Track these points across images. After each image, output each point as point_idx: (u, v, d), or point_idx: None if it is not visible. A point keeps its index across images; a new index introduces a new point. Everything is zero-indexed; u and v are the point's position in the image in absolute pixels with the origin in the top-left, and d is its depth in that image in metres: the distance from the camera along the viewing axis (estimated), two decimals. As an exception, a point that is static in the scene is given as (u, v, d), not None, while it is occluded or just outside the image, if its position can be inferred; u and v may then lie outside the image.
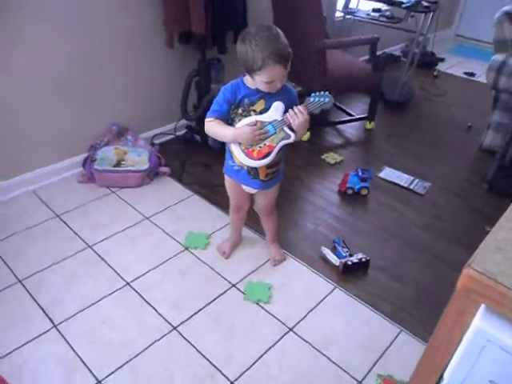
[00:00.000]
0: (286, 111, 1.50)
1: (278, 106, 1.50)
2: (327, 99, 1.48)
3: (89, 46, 2.23)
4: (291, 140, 1.53)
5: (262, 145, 1.54)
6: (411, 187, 2.57)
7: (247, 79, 1.51)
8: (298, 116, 1.47)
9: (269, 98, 1.50)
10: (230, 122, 1.56)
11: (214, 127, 1.55)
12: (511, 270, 0.58)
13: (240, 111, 1.52)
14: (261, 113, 1.52)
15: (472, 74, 4.36)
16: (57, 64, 2.15)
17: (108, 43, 2.30)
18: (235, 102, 1.52)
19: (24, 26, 1.97)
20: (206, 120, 1.56)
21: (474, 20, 5.31)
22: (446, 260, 2.07)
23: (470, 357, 0.64)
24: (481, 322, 0.60)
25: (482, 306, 0.61)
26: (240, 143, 1.55)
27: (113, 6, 2.23)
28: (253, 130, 1.49)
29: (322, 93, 1.48)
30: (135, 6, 2.32)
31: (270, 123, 1.51)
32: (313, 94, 1.49)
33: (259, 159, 1.56)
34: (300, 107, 1.48)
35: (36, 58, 2.07)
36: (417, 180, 2.63)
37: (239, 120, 1.52)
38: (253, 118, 1.51)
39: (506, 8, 2.71)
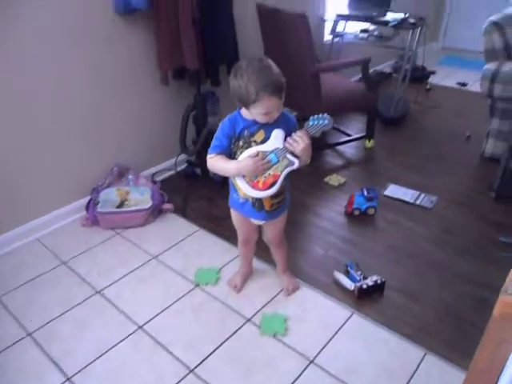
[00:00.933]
0: (286, 138, 1.49)
1: (277, 135, 1.49)
2: (326, 121, 1.47)
3: (84, 86, 2.25)
4: (295, 166, 1.51)
5: (266, 175, 1.52)
6: (418, 202, 2.54)
7: (244, 111, 1.50)
8: (299, 142, 1.46)
9: (268, 127, 1.49)
10: (232, 155, 1.54)
11: (216, 163, 1.54)
12: (549, 292, 0.55)
13: (241, 143, 1.51)
14: (262, 143, 1.50)
15: (464, 84, 4.40)
16: (55, 109, 2.16)
17: (104, 85, 2.32)
18: (235, 135, 1.51)
19: (24, 68, 1.99)
20: (208, 157, 1.55)
21: (458, 32, 5.40)
22: (461, 274, 2.02)
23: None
24: (523, 351, 0.56)
25: (522, 333, 0.58)
26: (244, 176, 1.53)
27: (107, 44, 2.26)
28: (255, 161, 1.47)
29: (321, 115, 1.47)
30: (128, 47, 2.35)
31: (272, 152, 1.50)
32: (311, 118, 1.48)
33: (265, 189, 1.54)
34: (300, 132, 1.47)
35: (33, 104, 2.08)
36: (423, 194, 2.60)
37: (241, 152, 1.51)
38: (254, 149, 1.50)
39: (492, 18, 2.75)
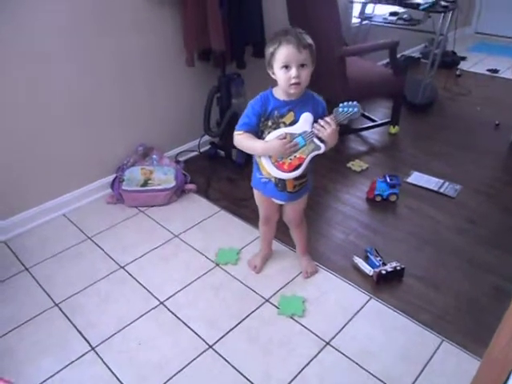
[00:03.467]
0: (315, 122, 1.49)
1: (306, 118, 1.49)
2: (355, 109, 1.47)
3: (112, 69, 2.28)
4: (321, 151, 1.52)
5: (292, 157, 1.53)
6: (441, 191, 2.51)
7: (276, 89, 1.51)
8: (327, 127, 1.46)
9: (298, 109, 1.50)
10: (259, 134, 1.55)
11: (243, 140, 1.55)
12: None
13: (270, 123, 1.52)
14: (290, 125, 1.51)
15: (496, 71, 4.26)
16: (82, 90, 2.20)
17: (130, 65, 2.34)
18: (265, 114, 1.52)
19: (48, 48, 2.03)
20: (235, 133, 1.56)
21: (492, 16, 5.21)
22: (482, 264, 2.00)
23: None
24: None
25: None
26: (270, 156, 1.54)
27: (134, 27, 2.28)
28: (283, 144, 1.48)
29: (350, 103, 1.47)
30: (155, 28, 2.37)
31: (299, 135, 1.50)
32: (341, 105, 1.48)
33: (290, 171, 1.55)
34: (328, 118, 1.48)
35: (60, 85, 2.12)
36: (447, 183, 2.56)
37: (268, 132, 1.52)
38: (282, 131, 1.50)
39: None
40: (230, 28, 2.42)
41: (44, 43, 1.99)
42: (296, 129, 1.50)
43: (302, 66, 1.42)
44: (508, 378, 0.65)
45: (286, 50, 1.39)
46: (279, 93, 1.51)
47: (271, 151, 1.51)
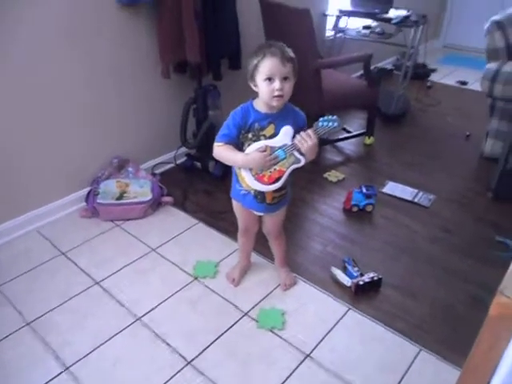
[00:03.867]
0: (294, 136, 1.50)
1: (287, 131, 1.50)
2: (335, 123, 1.48)
3: (84, 81, 2.25)
4: (301, 164, 1.53)
5: (272, 170, 1.54)
6: (416, 200, 2.56)
7: (256, 101, 1.52)
8: (307, 140, 1.47)
9: (278, 122, 1.51)
10: (239, 146, 1.55)
11: (223, 152, 1.54)
12: (545, 294, 0.56)
13: (250, 136, 1.52)
14: (270, 137, 1.52)
15: (465, 83, 4.40)
16: (54, 100, 2.16)
17: (103, 76, 2.32)
18: (245, 126, 1.52)
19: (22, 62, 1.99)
20: (215, 144, 1.56)
21: (460, 29, 5.39)
22: (457, 272, 2.04)
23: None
24: (519, 351, 0.58)
25: (518, 333, 0.59)
26: (251, 169, 1.55)
27: (108, 39, 2.25)
28: (264, 156, 1.49)
29: (330, 117, 1.48)
30: (130, 40, 2.35)
31: (279, 148, 1.51)
32: (321, 119, 1.49)
33: (270, 184, 1.56)
34: (309, 131, 1.49)
35: (33, 96, 2.07)
36: (421, 193, 2.62)
37: (248, 144, 1.52)
38: (262, 143, 1.51)
39: (495, 17, 2.75)
40: (205, 40, 2.42)
41: (12, 56, 1.95)
42: (276, 142, 1.51)
43: (285, 79, 1.43)
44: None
45: (271, 62, 1.40)
46: (260, 105, 1.51)
47: (251, 163, 1.51)
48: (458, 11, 5.34)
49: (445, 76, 4.60)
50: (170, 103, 2.68)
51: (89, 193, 2.37)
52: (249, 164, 1.52)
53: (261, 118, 1.51)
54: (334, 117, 1.48)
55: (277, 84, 1.42)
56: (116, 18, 2.24)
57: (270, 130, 1.51)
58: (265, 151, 1.50)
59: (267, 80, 1.42)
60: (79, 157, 2.37)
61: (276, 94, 1.43)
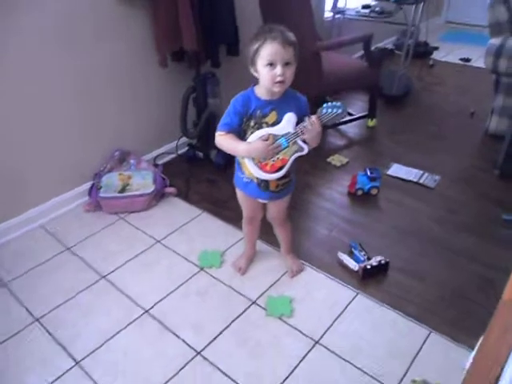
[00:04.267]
0: (298, 122, 1.47)
1: (290, 118, 1.47)
2: (340, 110, 1.43)
3: (84, 74, 2.21)
4: (304, 152, 1.50)
5: (275, 158, 1.51)
6: (421, 181, 2.53)
7: (258, 87, 1.48)
8: (311, 129, 1.44)
9: (280, 109, 1.47)
10: (241, 134, 1.52)
11: (225, 142, 1.52)
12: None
13: (252, 123, 1.49)
14: (273, 125, 1.48)
15: (468, 60, 4.33)
16: (53, 95, 2.13)
17: (103, 69, 2.28)
18: (247, 114, 1.49)
19: (21, 55, 1.96)
20: (217, 134, 1.53)
21: (461, 5, 5.28)
22: (465, 253, 2.02)
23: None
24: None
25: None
26: (253, 157, 1.52)
27: (104, 31, 2.21)
28: (266, 145, 1.46)
29: (335, 103, 1.43)
30: (127, 29, 2.31)
31: (282, 136, 1.48)
32: (325, 105, 1.44)
33: (273, 172, 1.53)
34: (313, 119, 1.44)
35: (31, 89, 2.05)
36: (426, 174, 2.58)
37: (251, 132, 1.49)
38: (265, 131, 1.48)
39: (497, -9, 2.68)
40: (202, 27, 2.37)
41: (12, 51, 1.92)
42: (279, 129, 1.47)
43: (287, 64, 1.40)
44: (501, 373, 0.64)
45: (272, 46, 1.36)
46: (261, 91, 1.48)
47: (254, 153, 1.48)
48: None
49: (447, 54, 4.52)
50: (169, 93, 2.65)
51: (91, 187, 2.36)
52: (251, 153, 1.49)
53: (262, 105, 1.48)
54: (339, 103, 1.43)
55: (278, 70, 1.38)
56: (111, 8, 2.19)
57: (272, 117, 1.48)
58: (267, 139, 1.47)
59: (269, 66, 1.38)
60: (80, 151, 2.35)
61: (278, 79, 1.39)
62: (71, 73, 2.16)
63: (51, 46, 2.04)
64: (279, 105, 1.47)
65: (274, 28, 1.39)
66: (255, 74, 1.46)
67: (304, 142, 1.49)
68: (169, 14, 2.24)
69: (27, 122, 2.08)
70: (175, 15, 2.24)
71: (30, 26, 1.94)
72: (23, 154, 2.12)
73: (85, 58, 2.19)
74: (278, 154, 1.50)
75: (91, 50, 2.20)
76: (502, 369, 0.65)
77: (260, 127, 1.48)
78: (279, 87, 1.42)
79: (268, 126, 1.48)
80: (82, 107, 2.27)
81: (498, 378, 0.66)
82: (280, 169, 1.53)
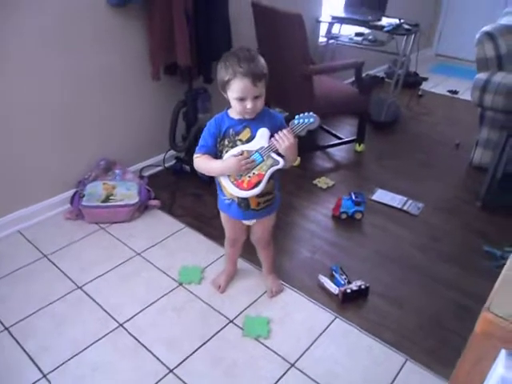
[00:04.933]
0: (271, 137, 1.48)
1: (262, 134, 1.48)
2: (312, 119, 1.45)
3: (74, 82, 2.21)
4: (280, 166, 1.50)
5: (251, 174, 1.51)
6: (405, 208, 2.55)
7: (231, 110, 1.51)
8: (284, 140, 1.44)
9: (254, 126, 1.48)
10: (218, 154, 1.54)
11: (201, 163, 1.54)
12: (533, 311, 0.54)
13: (226, 142, 1.51)
14: (247, 142, 1.49)
15: (455, 92, 4.43)
16: (42, 100, 2.12)
17: (94, 78, 2.28)
18: (220, 134, 1.51)
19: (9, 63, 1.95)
20: (194, 156, 1.55)
21: (452, 39, 5.43)
22: (444, 281, 2.03)
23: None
24: (504, 371, 0.55)
25: (503, 352, 0.57)
26: (229, 175, 1.52)
27: (98, 40, 2.22)
28: (239, 161, 1.46)
29: (307, 114, 1.45)
30: (120, 41, 2.32)
31: (256, 151, 1.49)
32: (297, 116, 1.46)
33: (250, 189, 1.53)
34: (285, 131, 1.46)
35: (20, 94, 2.03)
36: (410, 201, 2.61)
37: (226, 151, 1.50)
38: (239, 148, 1.49)
39: (486, 28, 2.77)
40: (196, 43, 2.40)
41: (1, 57, 1.91)
42: (253, 145, 1.49)
43: (257, 97, 1.42)
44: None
45: (242, 84, 1.38)
46: (234, 113, 1.50)
47: (228, 170, 1.49)
48: (451, 22, 5.38)
49: (436, 85, 4.62)
50: (160, 105, 2.65)
51: (74, 194, 2.33)
52: (225, 170, 1.50)
53: (235, 124, 1.50)
54: (311, 113, 1.45)
55: (248, 103, 1.41)
56: (105, 19, 2.21)
57: (245, 134, 1.49)
58: (241, 155, 1.48)
59: (239, 99, 1.41)
60: (65, 158, 2.32)
61: (248, 111, 1.43)
62: (61, 78, 2.16)
63: (44, 51, 2.04)
64: (252, 122, 1.49)
65: (242, 59, 1.37)
66: (227, 98, 1.47)
67: (280, 155, 1.49)
68: (164, 27, 2.26)
69: (12, 125, 2.06)
70: (170, 29, 2.26)
71: (23, 29, 1.94)
72: (6, 158, 2.09)
73: (78, 64, 2.19)
74: (253, 169, 1.50)
75: (84, 57, 2.20)
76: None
77: (234, 145, 1.50)
78: (249, 115, 1.47)
79: (242, 143, 1.49)
80: (70, 113, 2.26)
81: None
82: (257, 184, 1.52)
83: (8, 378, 1.53)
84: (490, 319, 0.55)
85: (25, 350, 1.62)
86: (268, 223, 1.76)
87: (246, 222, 1.71)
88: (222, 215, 1.73)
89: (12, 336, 1.68)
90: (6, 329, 1.71)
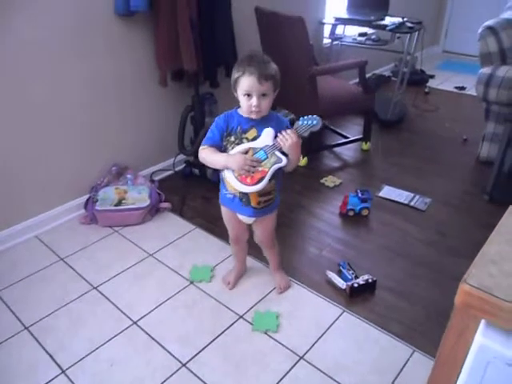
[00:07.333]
0: (276, 136, 1.54)
1: (268, 133, 1.54)
2: (315, 122, 1.52)
3: (90, 91, 2.30)
4: (283, 164, 1.55)
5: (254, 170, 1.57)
6: (412, 204, 2.57)
7: (240, 108, 1.57)
8: (288, 139, 1.51)
9: (260, 126, 1.55)
10: (223, 149, 1.60)
11: (206, 154, 1.60)
12: (506, 282, 0.58)
13: (232, 139, 1.57)
14: (253, 140, 1.56)
15: (462, 88, 4.43)
16: (55, 108, 2.20)
17: (104, 86, 2.36)
18: (227, 129, 1.58)
19: (22, 67, 2.04)
20: (200, 148, 1.61)
21: (459, 35, 5.43)
22: (452, 275, 2.03)
23: (476, 374, 0.64)
24: (483, 339, 0.59)
25: (483, 322, 0.61)
26: (233, 170, 1.58)
27: (107, 48, 2.30)
28: (245, 159, 1.53)
29: (310, 116, 1.53)
30: (128, 49, 2.40)
31: (261, 149, 1.55)
32: (301, 118, 1.54)
33: (253, 184, 1.58)
34: (289, 130, 1.53)
35: (33, 106, 2.12)
36: (417, 196, 2.63)
37: (232, 148, 1.57)
38: (245, 145, 1.55)
39: (488, 23, 2.78)
40: (202, 49, 2.47)
41: (18, 66, 2.00)
42: (258, 143, 1.55)
43: (264, 95, 1.49)
44: (457, 379, 0.67)
45: (248, 80, 1.46)
46: (243, 112, 1.57)
47: (232, 164, 1.55)
48: (458, 18, 5.39)
49: (443, 82, 4.62)
50: (168, 111, 2.72)
51: (88, 200, 2.41)
52: (230, 164, 1.55)
53: (243, 122, 1.56)
54: (314, 116, 1.53)
55: (254, 101, 1.48)
56: (113, 28, 2.29)
57: (252, 133, 1.56)
58: (247, 153, 1.54)
59: (246, 95, 1.48)
60: (78, 164, 2.41)
61: (253, 109, 1.50)
62: (73, 86, 2.24)
63: (55, 57, 2.13)
64: (259, 123, 1.56)
65: (253, 59, 1.47)
66: (237, 98, 1.55)
67: (283, 154, 1.55)
68: (170, 34, 2.33)
69: (27, 133, 2.15)
70: (176, 36, 2.33)
71: (31, 35, 2.03)
72: (22, 165, 2.18)
73: (91, 73, 2.28)
74: (257, 167, 1.56)
75: (97, 66, 2.29)
76: (458, 376, 0.68)
77: (240, 142, 1.57)
78: (255, 115, 1.53)
79: (248, 141, 1.56)
80: (83, 121, 2.34)
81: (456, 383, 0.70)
82: (260, 180, 1.57)
83: (29, 374, 1.60)
84: (467, 290, 0.59)
85: (44, 348, 1.70)
86: (268, 224, 1.80)
87: (245, 220, 1.75)
88: (224, 210, 1.78)
89: (32, 335, 1.75)
90: (26, 328, 1.78)
